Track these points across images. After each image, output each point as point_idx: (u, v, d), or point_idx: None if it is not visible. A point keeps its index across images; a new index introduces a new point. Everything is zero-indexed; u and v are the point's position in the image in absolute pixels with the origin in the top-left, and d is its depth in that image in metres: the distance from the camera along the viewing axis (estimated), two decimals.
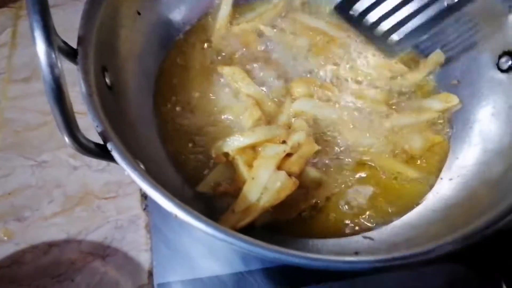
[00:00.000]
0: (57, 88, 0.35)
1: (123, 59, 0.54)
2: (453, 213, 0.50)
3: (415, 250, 0.39)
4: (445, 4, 0.58)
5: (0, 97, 0.74)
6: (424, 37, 0.62)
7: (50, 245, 0.62)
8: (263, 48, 0.64)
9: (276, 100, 0.59)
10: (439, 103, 0.59)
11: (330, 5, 0.68)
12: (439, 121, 0.59)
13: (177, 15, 0.65)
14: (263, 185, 0.49)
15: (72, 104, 0.38)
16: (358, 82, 0.62)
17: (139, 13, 0.58)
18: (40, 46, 0.34)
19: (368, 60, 0.63)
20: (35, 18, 0.34)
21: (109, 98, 0.47)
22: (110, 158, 0.40)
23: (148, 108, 0.57)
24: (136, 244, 0.63)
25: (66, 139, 0.38)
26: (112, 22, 0.52)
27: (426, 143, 0.57)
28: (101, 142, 0.41)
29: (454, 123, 0.59)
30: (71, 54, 0.44)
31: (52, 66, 0.34)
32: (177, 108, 0.60)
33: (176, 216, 0.37)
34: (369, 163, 0.56)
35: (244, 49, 0.64)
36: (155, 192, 0.38)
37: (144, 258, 0.62)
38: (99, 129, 0.41)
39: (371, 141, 0.56)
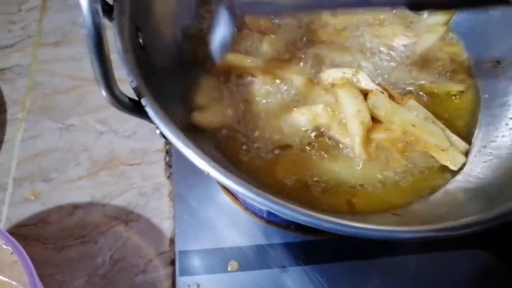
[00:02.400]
0: (98, 36, 0.35)
1: (157, 21, 0.54)
2: (487, 192, 0.49)
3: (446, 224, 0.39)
4: None
5: (30, 60, 0.75)
6: None
7: (75, 207, 0.64)
8: None
9: None
10: None
11: None
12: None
13: None
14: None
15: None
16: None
17: None
18: None
19: None
20: None
21: (143, 57, 0.48)
22: (143, 114, 0.41)
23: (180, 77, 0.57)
24: (159, 212, 0.64)
25: (103, 91, 0.38)
26: None
27: None
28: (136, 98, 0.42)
29: (486, 106, 0.58)
30: (107, 10, 0.45)
31: (93, 12, 0.35)
32: None
33: (208, 173, 0.38)
34: None
35: None
36: (188, 149, 0.39)
37: (166, 226, 0.62)
38: (134, 84, 0.41)
39: None
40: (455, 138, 0.52)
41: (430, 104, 0.56)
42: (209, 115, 0.53)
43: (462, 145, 0.52)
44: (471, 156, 0.54)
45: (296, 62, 0.58)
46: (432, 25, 0.63)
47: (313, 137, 0.54)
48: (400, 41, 0.61)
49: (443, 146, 0.51)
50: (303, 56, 0.58)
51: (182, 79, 0.57)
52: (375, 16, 0.63)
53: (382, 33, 0.61)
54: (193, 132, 0.50)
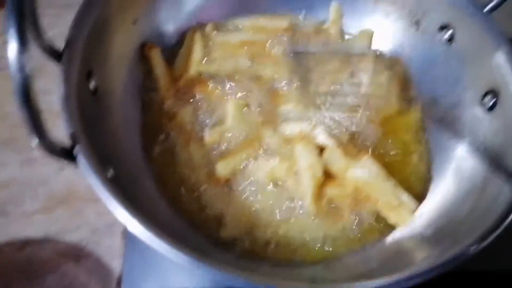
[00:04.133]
0: (25, 89, 0.34)
1: (113, 65, 0.53)
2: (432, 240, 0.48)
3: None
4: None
5: (1, 91, 0.74)
6: None
7: (27, 242, 0.61)
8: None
9: None
10: None
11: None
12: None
13: (171, 26, 0.63)
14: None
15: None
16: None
17: (135, 22, 0.57)
18: (12, 44, 0.33)
19: None
20: (11, 12, 0.33)
21: (89, 103, 0.46)
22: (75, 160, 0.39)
23: (134, 116, 0.56)
24: (111, 250, 0.61)
25: (34, 139, 0.37)
26: (107, 27, 0.51)
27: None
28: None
29: (434, 157, 0.57)
30: (56, 55, 0.44)
31: (21, 67, 0.33)
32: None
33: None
34: None
35: None
36: (114, 203, 0.37)
37: (116, 265, 0.60)
38: (70, 130, 0.39)
39: None
40: (405, 196, 0.50)
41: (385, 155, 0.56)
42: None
43: (412, 203, 0.50)
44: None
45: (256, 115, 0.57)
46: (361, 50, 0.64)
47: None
48: (347, 80, 0.61)
49: (393, 204, 0.50)
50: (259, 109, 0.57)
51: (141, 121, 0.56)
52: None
53: (329, 77, 0.61)
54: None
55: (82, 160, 0.38)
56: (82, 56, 0.46)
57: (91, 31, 0.48)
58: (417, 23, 0.61)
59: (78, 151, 0.38)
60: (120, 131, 0.51)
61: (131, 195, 0.43)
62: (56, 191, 0.66)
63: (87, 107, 0.45)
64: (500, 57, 0.50)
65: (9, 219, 0.62)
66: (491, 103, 0.51)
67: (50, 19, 0.83)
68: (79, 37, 0.46)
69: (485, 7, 0.54)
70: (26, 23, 0.34)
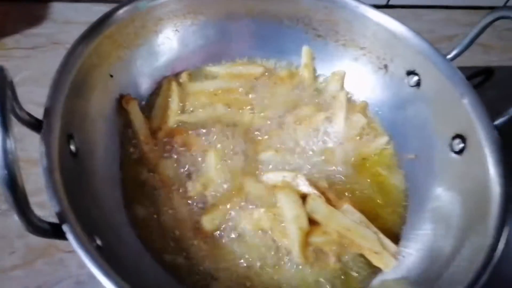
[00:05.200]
0: (10, 175, 0.32)
1: (92, 121, 0.51)
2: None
3: None
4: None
5: None
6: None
7: None
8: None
9: None
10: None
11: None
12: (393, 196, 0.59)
13: (147, 77, 0.63)
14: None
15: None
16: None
17: (111, 76, 0.56)
18: None
19: None
20: None
21: (71, 167, 0.45)
22: (64, 238, 0.38)
23: (115, 171, 0.55)
24: None
25: (19, 221, 0.35)
26: (84, 87, 0.50)
27: None
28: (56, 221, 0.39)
29: (410, 198, 0.58)
30: (36, 125, 0.42)
31: (6, 152, 0.32)
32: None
33: None
34: None
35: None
36: (105, 279, 0.36)
37: None
38: (56, 209, 0.38)
39: None
40: (386, 241, 0.51)
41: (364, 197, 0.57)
42: None
43: (393, 248, 0.51)
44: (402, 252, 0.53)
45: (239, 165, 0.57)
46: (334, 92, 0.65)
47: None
48: (323, 124, 0.62)
49: (376, 249, 0.50)
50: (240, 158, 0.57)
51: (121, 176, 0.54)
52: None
53: (305, 123, 0.62)
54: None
55: (71, 238, 0.37)
56: (62, 121, 0.44)
57: (69, 92, 0.47)
58: (385, 67, 0.63)
59: (67, 230, 0.37)
60: (101, 191, 0.50)
61: (118, 260, 0.42)
62: (34, 243, 0.63)
63: (70, 172, 0.43)
64: (465, 104, 0.52)
65: None
66: (459, 147, 0.53)
67: (18, 62, 0.80)
68: (57, 102, 0.45)
69: (448, 54, 0.56)
70: (8, 109, 0.32)
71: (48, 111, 0.43)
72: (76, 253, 0.37)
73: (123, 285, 0.36)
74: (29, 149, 0.71)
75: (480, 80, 0.82)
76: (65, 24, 0.86)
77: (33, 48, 0.83)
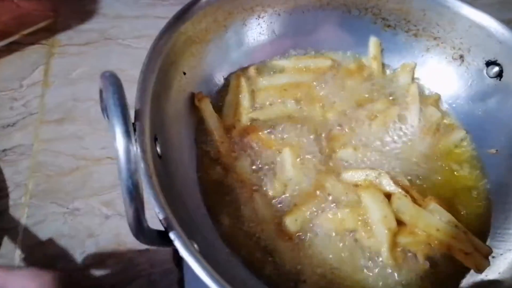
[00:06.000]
0: (134, 187, 0.31)
1: (170, 121, 0.50)
2: None
3: None
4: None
5: (32, 139, 0.70)
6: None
7: None
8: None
9: None
10: None
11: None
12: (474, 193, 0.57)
13: (217, 73, 0.61)
14: None
15: None
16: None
17: (184, 73, 0.54)
18: (120, 143, 0.31)
19: None
20: (115, 111, 0.30)
21: (161, 171, 0.44)
22: (171, 245, 0.37)
23: (193, 172, 0.53)
24: None
25: (135, 234, 0.34)
26: (163, 86, 0.49)
27: None
28: (161, 228, 0.38)
29: (493, 195, 0.56)
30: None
31: (130, 162, 0.31)
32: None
33: None
34: None
35: None
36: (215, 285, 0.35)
37: None
38: (161, 216, 0.37)
39: None
40: (477, 241, 0.49)
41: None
42: None
43: (485, 249, 0.50)
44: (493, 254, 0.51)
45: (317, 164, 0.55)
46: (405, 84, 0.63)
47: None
48: (396, 119, 0.60)
49: (467, 250, 0.49)
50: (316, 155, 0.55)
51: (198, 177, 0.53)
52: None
53: (379, 118, 0.59)
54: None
55: (179, 245, 0.36)
56: (150, 122, 0.43)
57: (153, 92, 0.45)
58: (461, 58, 0.60)
59: (174, 237, 0.36)
60: (185, 193, 0.49)
61: (212, 264, 0.41)
62: (104, 242, 0.62)
63: (161, 176, 0.43)
64: None
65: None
66: None
67: (73, 59, 0.79)
68: (145, 103, 0.44)
69: None
70: (129, 117, 0.31)
71: (138, 113, 0.42)
72: (188, 261, 0.36)
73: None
74: (90, 147, 0.71)
75: None
76: (116, 18, 0.85)
77: (86, 44, 0.82)
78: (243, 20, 0.60)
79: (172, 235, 0.36)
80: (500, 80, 0.56)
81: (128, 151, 0.30)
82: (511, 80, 0.56)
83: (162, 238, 0.36)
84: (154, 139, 0.45)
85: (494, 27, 0.55)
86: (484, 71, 0.58)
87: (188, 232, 0.40)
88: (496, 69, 0.57)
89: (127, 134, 0.31)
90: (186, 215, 0.46)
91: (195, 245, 0.40)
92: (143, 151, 0.39)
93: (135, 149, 0.32)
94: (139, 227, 0.33)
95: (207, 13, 0.55)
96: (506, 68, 0.56)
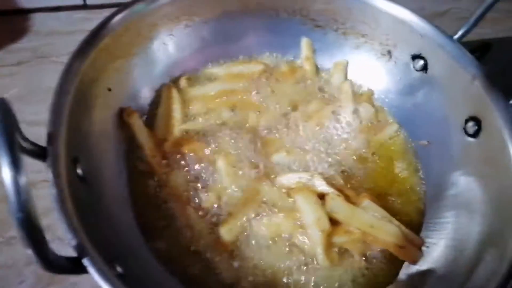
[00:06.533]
0: (25, 216, 0.30)
1: (96, 140, 0.49)
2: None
3: None
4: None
5: None
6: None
7: None
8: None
9: None
10: None
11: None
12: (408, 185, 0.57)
13: (145, 87, 0.60)
14: None
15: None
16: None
17: (109, 89, 0.53)
18: (7, 174, 0.29)
19: None
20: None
21: (82, 193, 0.42)
22: (85, 272, 0.36)
23: (123, 190, 0.52)
24: None
25: (40, 266, 0.33)
26: (83, 105, 0.47)
27: None
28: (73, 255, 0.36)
29: (427, 186, 0.57)
30: (39, 153, 0.39)
31: (19, 194, 0.30)
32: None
33: None
34: None
35: None
36: None
37: None
38: (73, 243, 0.35)
39: None
40: (411, 234, 0.50)
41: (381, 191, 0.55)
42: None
43: (418, 240, 0.50)
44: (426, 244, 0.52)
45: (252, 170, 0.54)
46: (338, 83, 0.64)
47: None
48: (330, 119, 0.60)
49: (401, 244, 0.49)
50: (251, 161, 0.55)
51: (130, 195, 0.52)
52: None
53: (313, 119, 0.60)
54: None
55: (93, 271, 0.34)
56: (66, 145, 0.42)
57: (70, 114, 0.44)
58: (389, 53, 0.61)
59: (88, 264, 0.34)
60: (113, 212, 0.47)
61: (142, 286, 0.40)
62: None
63: (81, 199, 0.41)
64: (477, 86, 0.51)
65: None
66: (474, 130, 0.52)
67: (4, 80, 0.76)
68: (60, 125, 0.42)
69: (454, 35, 0.55)
70: (17, 147, 0.29)
71: (51, 137, 0.40)
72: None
73: None
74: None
75: (477, 55, 0.80)
76: (49, 35, 0.82)
77: (18, 64, 0.79)
78: (169, 30, 0.59)
79: (85, 262, 0.34)
80: (426, 72, 0.58)
81: (15, 183, 0.29)
82: (435, 73, 0.56)
83: (75, 265, 0.35)
84: (74, 161, 0.43)
85: (415, 21, 0.56)
86: (411, 65, 0.59)
87: (111, 255, 0.39)
88: (421, 62, 0.58)
89: (14, 164, 0.29)
90: (114, 237, 0.44)
91: (119, 269, 0.39)
92: (57, 175, 0.38)
93: (23, 179, 0.30)
94: (42, 257, 0.32)
95: (129, 27, 0.53)
96: (430, 60, 0.57)
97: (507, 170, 0.46)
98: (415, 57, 0.58)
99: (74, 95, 0.45)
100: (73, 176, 0.42)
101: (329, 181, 0.52)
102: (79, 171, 0.44)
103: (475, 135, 0.52)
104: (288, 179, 0.52)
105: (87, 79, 0.48)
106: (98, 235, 0.40)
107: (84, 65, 0.47)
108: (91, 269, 0.34)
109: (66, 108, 0.43)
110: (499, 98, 0.49)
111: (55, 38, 0.82)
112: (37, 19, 0.84)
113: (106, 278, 0.34)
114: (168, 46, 0.60)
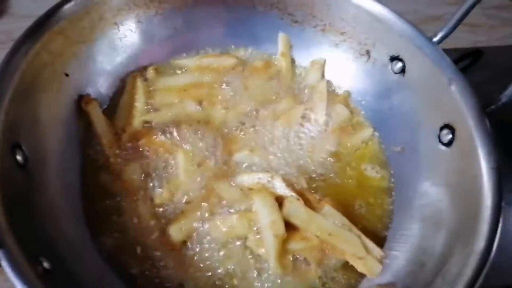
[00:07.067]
0: None
1: (45, 127, 0.46)
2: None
3: None
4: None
5: None
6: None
7: None
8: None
9: None
10: None
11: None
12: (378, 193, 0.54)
13: (109, 74, 0.57)
14: None
15: None
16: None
17: (67, 75, 0.51)
18: None
19: None
20: None
21: (18, 181, 0.40)
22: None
23: (74, 181, 0.50)
24: None
25: None
26: (32, 89, 0.45)
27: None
28: None
29: (396, 195, 0.54)
30: None
31: None
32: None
33: None
34: None
35: None
36: None
37: None
38: None
39: None
40: (371, 245, 0.47)
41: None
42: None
43: (378, 252, 0.47)
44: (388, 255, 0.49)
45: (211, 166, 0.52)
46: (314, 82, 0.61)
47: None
48: (300, 119, 0.57)
49: (359, 254, 0.46)
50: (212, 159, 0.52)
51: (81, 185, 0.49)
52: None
53: (281, 118, 0.57)
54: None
55: (6, 265, 0.32)
56: (5, 130, 0.39)
57: (12, 97, 0.41)
58: (367, 53, 0.58)
59: (1, 256, 0.32)
60: (56, 203, 0.45)
61: (72, 281, 0.38)
62: None
63: (15, 188, 0.39)
64: (453, 92, 0.48)
65: None
66: (448, 138, 0.49)
67: None
68: None
69: (434, 37, 0.52)
70: None
71: None
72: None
73: None
74: None
75: (468, 62, 0.77)
76: (25, 18, 0.79)
77: None
78: (137, 17, 0.57)
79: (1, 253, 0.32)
80: (403, 75, 0.55)
81: None
82: (413, 76, 0.54)
83: None
84: (13, 147, 0.41)
85: (393, 21, 0.53)
86: (389, 67, 0.56)
87: (41, 249, 0.37)
88: (400, 64, 0.55)
89: None
90: (51, 229, 0.42)
91: (45, 264, 0.36)
92: None
93: None
94: None
95: (89, 11, 0.51)
96: (408, 63, 0.54)
97: (476, 183, 0.43)
98: (393, 58, 0.55)
99: (20, 78, 0.43)
100: (10, 163, 0.40)
101: (290, 183, 0.50)
102: (18, 157, 0.41)
103: (448, 144, 0.49)
104: (247, 179, 0.50)
105: (38, 62, 0.46)
106: (29, 227, 0.38)
107: (34, 47, 0.45)
108: (3, 262, 0.32)
109: (8, 91, 0.41)
110: (475, 107, 0.46)
111: (31, 20, 0.79)
112: (14, 1, 0.81)
113: (20, 273, 0.32)
114: (135, 33, 0.58)
